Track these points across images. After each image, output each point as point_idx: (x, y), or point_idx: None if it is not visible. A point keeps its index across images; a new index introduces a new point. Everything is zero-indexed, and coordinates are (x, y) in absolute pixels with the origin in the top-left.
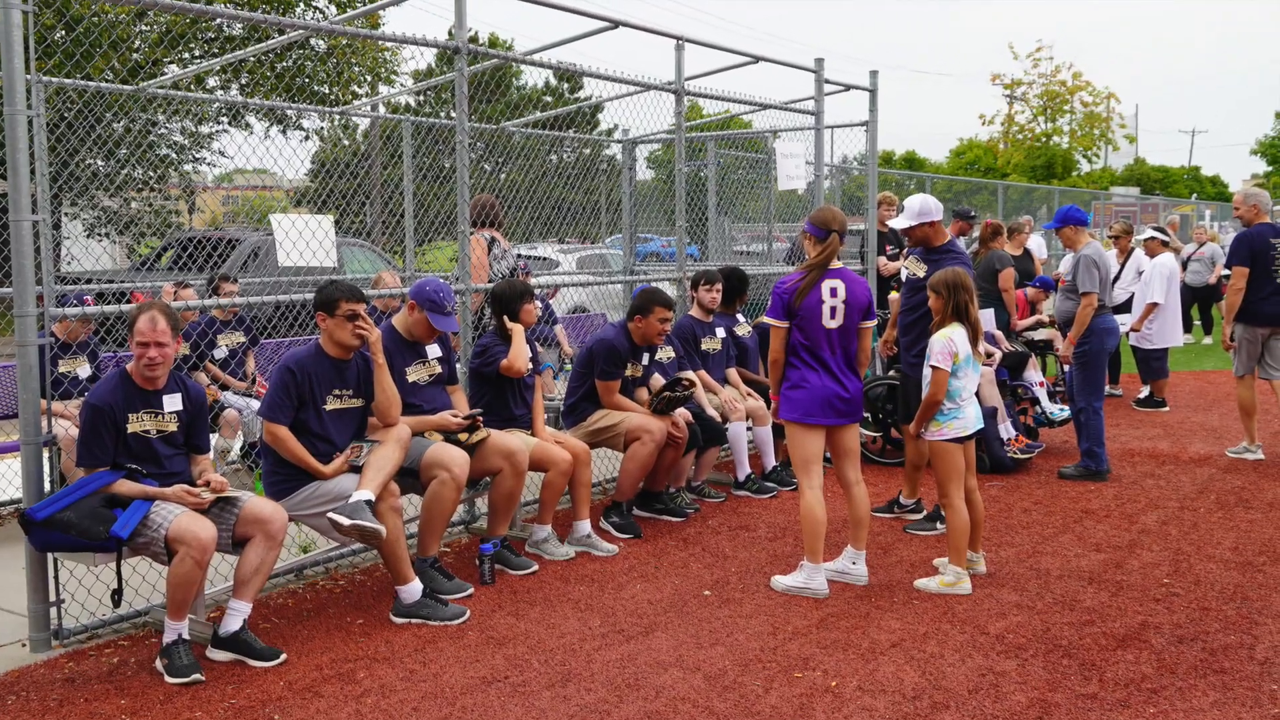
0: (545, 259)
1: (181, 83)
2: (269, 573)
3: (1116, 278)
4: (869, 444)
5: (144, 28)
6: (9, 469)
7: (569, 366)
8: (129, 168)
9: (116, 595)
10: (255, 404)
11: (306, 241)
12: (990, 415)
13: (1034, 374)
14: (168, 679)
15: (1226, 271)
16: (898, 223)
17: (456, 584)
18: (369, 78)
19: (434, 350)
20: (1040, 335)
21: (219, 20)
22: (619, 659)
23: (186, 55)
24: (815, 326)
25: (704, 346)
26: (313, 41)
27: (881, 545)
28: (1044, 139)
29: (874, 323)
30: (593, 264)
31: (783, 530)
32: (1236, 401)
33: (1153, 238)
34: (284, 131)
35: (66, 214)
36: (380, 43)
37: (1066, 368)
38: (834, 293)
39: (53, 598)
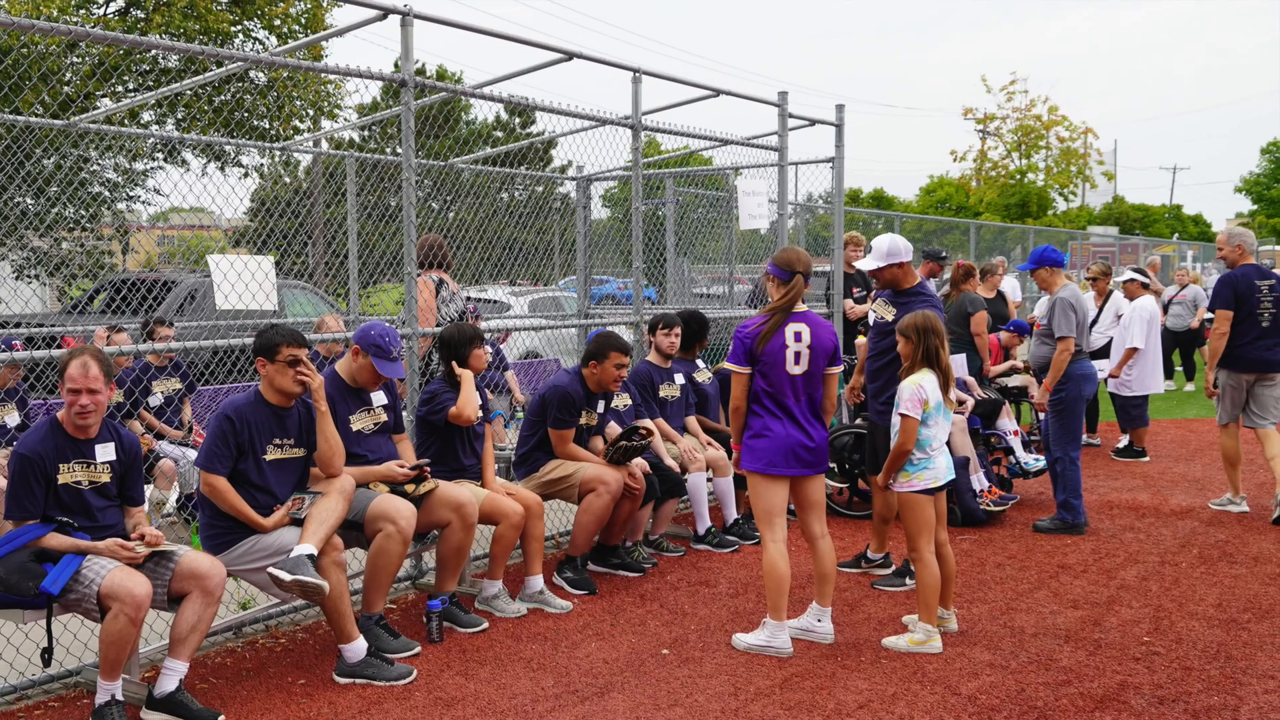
0: (496, 302)
1: (115, 117)
2: (206, 630)
3: (1094, 321)
4: (835, 495)
5: (76, 60)
6: None
7: (521, 414)
8: (60, 206)
9: (46, 654)
10: (192, 454)
11: (246, 283)
12: (962, 465)
13: (1008, 422)
14: None
15: (1209, 315)
16: (865, 264)
17: (403, 642)
18: (311, 112)
19: (379, 397)
20: (1014, 382)
21: (154, 52)
22: None
23: (120, 88)
24: (779, 372)
25: (662, 393)
26: (252, 74)
27: (848, 601)
28: (1018, 176)
29: (840, 368)
30: (545, 307)
31: (744, 586)
32: (1220, 451)
33: (1132, 279)
34: (222, 168)
35: None
36: (323, 75)
37: (1042, 415)
38: (798, 337)
39: None
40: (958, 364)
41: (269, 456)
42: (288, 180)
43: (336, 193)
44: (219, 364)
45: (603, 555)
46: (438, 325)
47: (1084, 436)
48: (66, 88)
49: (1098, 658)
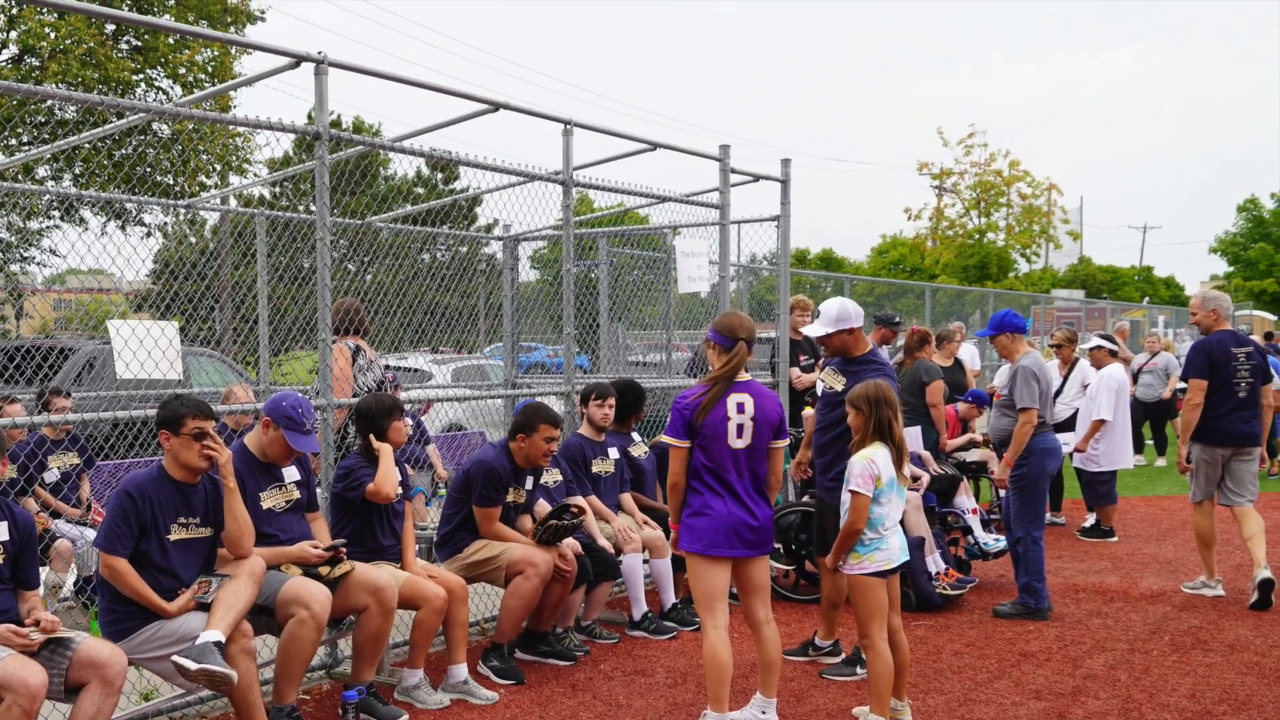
0: (416, 371)
1: (8, 172)
2: None
3: (1059, 391)
4: (780, 578)
5: None
6: None
7: (443, 491)
8: None
9: None
10: (90, 533)
11: (148, 351)
12: (917, 546)
13: (966, 500)
14: None
15: (1182, 385)
16: (813, 330)
17: None
18: (218, 167)
19: (291, 473)
20: (973, 456)
21: (50, 102)
22: None
23: (14, 141)
24: (720, 446)
25: (595, 469)
26: (155, 126)
27: (794, 692)
28: (977, 235)
29: (786, 442)
30: (470, 376)
31: (683, 675)
32: (1194, 531)
33: (1099, 347)
34: (123, 227)
35: None
36: (231, 127)
37: (1002, 492)
38: (741, 408)
39: None
40: (912, 437)
41: (173, 536)
42: (193, 240)
43: (246, 253)
44: (119, 437)
45: (531, 642)
46: (354, 395)
47: (1047, 515)
48: None
49: None
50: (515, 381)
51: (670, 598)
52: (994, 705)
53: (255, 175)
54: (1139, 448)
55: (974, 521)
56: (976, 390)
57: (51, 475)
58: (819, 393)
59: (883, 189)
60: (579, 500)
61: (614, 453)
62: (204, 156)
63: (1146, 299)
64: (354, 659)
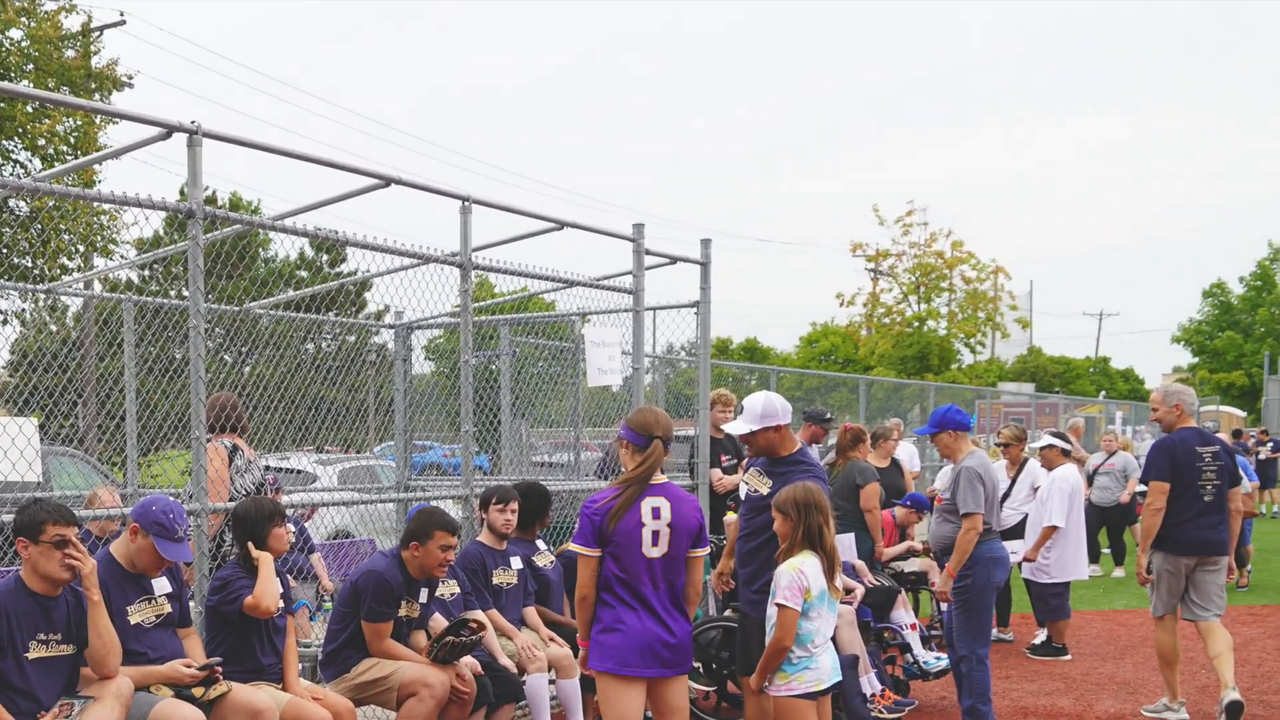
0: (299, 472)
1: None
2: None
3: (1006, 495)
4: (700, 700)
5: None
6: None
7: (329, 605)
8: None
9: None
10: None
11: (4, 450)
12: (850, 665)
13: (904, 614)
14: None
15: (1142, 488)
16: (735, 427)
17: None
18: (82, 247)
19: (162, 585)
20: (912, 566)
21: None
22: None
23: None
24: (633, 555)
25: (496, 580)
26: (12, 203)
27: None
28: (916, 323)
29: (706, 550)
30: (358, 478)
31: None
32: (1155, 648)
33: (1051, 446)
34: None
35: None
36: (96, 204)
37: (944, 606)
38: (656, 514)
39: None
40: (845, 545)
41: (32, 655)
42: (54, 328)
43: (112, 343)
44: None
45: None
46: (231, 499)
47: (994, 631)
48: None
49: None
50: (408, 484)
51: None
52: None
53: (122, 257)
54: (1094, 557)
55: (913, 638)
56: (916, 494)
57: None
58: (742, 496)
59: (813, 273)
60: (478, 615)
61: (517, 562)
62: (66, 236)
63: (1103, 393)
64: None
